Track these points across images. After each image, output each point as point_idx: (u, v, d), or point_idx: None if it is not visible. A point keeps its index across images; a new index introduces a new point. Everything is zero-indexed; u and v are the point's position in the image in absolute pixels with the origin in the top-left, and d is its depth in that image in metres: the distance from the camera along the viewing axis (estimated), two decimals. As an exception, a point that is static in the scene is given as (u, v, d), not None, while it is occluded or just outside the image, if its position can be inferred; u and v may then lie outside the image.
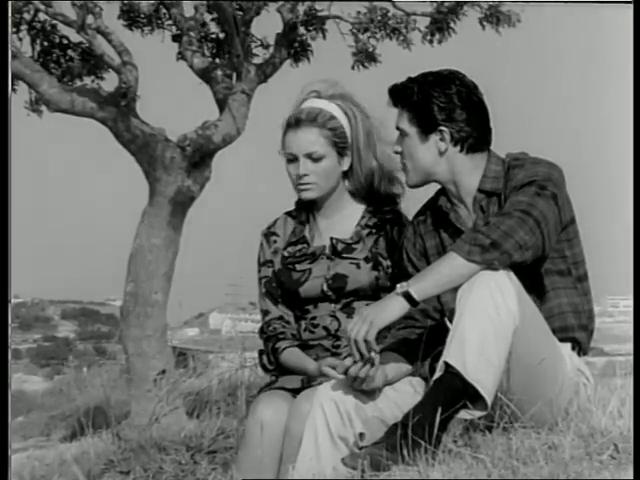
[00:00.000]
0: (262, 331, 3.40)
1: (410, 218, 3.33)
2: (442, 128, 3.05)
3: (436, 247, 3.18)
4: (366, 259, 3.32)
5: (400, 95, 3.10)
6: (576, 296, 3.08)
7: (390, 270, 3.32)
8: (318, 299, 3.33)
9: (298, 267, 3.36)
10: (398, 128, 3.12)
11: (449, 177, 3.10)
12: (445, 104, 3.05)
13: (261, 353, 3.40)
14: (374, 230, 3.36)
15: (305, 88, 3.39)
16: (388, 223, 3.37)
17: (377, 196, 3.40)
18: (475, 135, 3.07)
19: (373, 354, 2.86)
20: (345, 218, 3.39)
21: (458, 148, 3.08)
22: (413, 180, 3.14)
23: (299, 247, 3.39)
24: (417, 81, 3.08)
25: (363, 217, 3.38)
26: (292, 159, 3.34)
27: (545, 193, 2.94)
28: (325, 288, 3.32)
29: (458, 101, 3.06)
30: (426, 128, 3.06)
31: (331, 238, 3.36)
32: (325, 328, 3.31)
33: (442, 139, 3.07)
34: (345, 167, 3.36)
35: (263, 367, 3.40)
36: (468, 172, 3.09)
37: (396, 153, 3.15)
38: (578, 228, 3.10)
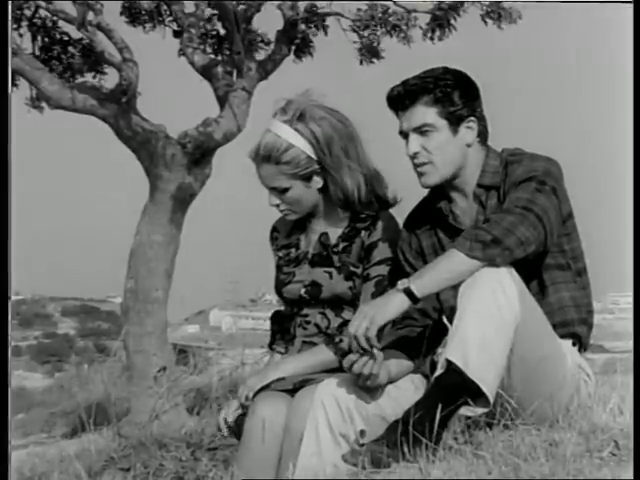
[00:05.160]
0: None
1: (399, 220, 3.29)
2: (471, 118, 3.05)
3: (433, 246, 3.16)
4: (338, 269, 3.30)
5: (422, 89, 3.01)
6: (576, 290, 3.08)
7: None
8: (299, 301, 3.35)
9: (285, 269, 3.40)
10: (418, 127, 3.03)
11: (463, 171, 3.08)
12: (466, 95, 3.04)
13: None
14: (348, 239, 3.32)
15: (274, 105, 3.30)
16: (363, 230, 3.30)
17: (360, 204, 3.30)
18: (487, 126, 3.09)
19: (375, 351, 2.87)
20: (335, 224, 3.35)
21: (478, 139, 3.08)
22: (440, 175, 3.05)
23: (289, 250, 3.42)
24: (433, 76, 3.02)
25: (347, 225, 3.33)
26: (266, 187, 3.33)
27: (545, 188, 2.94)
28: (303, 293, 3.34)
29: (473, 92, 3.06)
30: (457, 119, 3.03)
31: (315, 244, 3.37)
32: (316, 325, 3.33)
33: (470, 128, 3.05)
34: (319, 185, 3.29)
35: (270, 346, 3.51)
36: (476, 165, 3.08)
37: (414, 155, 3.04)
38: (576, 222, 3.10)
